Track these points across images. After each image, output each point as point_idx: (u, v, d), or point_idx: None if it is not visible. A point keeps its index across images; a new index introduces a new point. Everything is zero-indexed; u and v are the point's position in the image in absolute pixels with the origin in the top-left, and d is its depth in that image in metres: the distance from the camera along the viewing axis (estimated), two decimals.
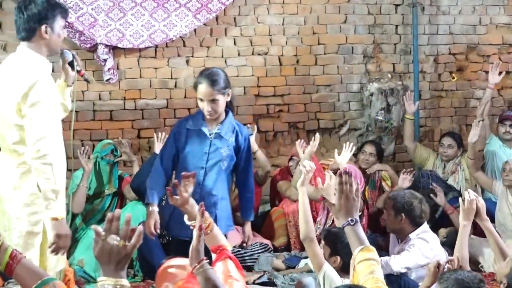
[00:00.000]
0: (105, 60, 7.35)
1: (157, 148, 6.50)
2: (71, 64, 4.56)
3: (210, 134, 5.13)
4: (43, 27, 4.22)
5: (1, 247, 2.87)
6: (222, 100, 5.04)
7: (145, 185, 5.35)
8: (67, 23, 7.10)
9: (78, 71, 4.58)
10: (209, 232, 3.74)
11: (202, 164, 5.13)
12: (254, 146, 7.00)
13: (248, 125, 7.14)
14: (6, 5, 7.18)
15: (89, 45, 7.33)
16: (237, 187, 5.58)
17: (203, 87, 5.00)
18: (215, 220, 4.43)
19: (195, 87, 5.09)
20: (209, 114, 5.03)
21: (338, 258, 4.75)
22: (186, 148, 5.17)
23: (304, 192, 4.68)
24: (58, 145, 4.31)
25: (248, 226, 5.55)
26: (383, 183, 7.37)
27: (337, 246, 4.70)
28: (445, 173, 7.55)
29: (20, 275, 2.90)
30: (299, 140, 6.99)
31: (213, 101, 4.99)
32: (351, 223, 3.30)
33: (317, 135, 6.59)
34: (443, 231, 6.66)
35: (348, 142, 6.62)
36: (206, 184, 5.13)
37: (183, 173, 4.02)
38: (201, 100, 5.05)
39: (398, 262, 5.22)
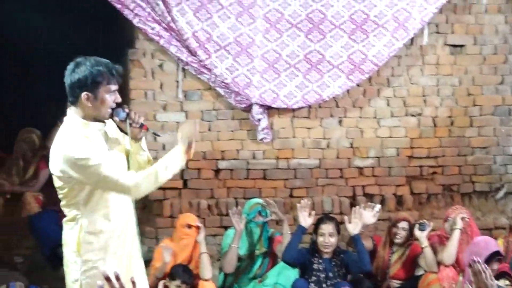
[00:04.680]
0: (259, 120, 7.49)
1: (302, 219, 6.34)
2: (125, 121, 4.18)
3: None
4: (83, 95, 3.96)
5: None
6: None
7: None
8: (223, 84, 7.35)
9: (141, 126, 4.15)
10: None
11: None
12: (424, 241, 6.75)
13: (423, 221, 6.83)
14: (167, 66, 7.47)
15: (244, 105, 7.51)
16: None
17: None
18: None
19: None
20: None
21: None
22: None
23: None
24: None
25: None
26: None
27: None
28: None
29: None
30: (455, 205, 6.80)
31: None
32: None
33: None
34: None
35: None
36: None
37: None
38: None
39: None
